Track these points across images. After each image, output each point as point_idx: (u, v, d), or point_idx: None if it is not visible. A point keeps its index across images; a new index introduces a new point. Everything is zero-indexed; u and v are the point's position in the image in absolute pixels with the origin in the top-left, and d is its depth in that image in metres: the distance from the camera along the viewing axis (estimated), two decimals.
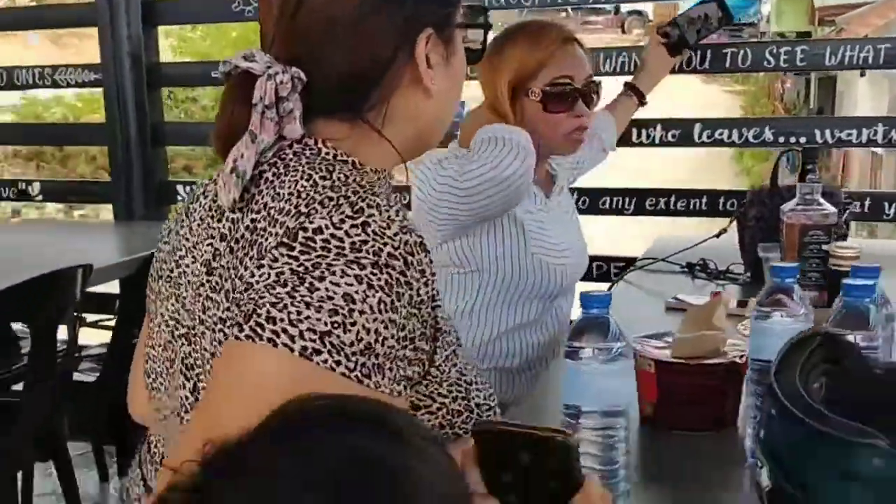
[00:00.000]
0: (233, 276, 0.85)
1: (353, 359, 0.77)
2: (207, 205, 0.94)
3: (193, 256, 0.92)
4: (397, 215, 0.83)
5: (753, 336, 1.15)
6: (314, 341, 0.76)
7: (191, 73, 3.68)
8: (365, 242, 0.80)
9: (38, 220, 5.52)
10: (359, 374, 0.77)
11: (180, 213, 0.99)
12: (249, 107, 0.87)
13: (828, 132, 2.50)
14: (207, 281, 0.89)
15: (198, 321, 0.89)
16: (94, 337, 3.06)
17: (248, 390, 0.77)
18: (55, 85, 3.31)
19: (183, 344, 0.92)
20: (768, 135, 2.57)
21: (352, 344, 0.77)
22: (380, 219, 0.81)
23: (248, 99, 0.87)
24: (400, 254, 0.80)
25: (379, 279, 0.79)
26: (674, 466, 1.19)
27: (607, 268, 2.76)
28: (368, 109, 0.93)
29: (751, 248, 2.08)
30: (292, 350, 0.76)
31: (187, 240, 0.94)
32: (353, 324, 0.77)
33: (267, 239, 0.83)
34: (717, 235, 2.24)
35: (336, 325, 0.76)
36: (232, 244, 0.87)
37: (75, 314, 2.36)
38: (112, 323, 3.04)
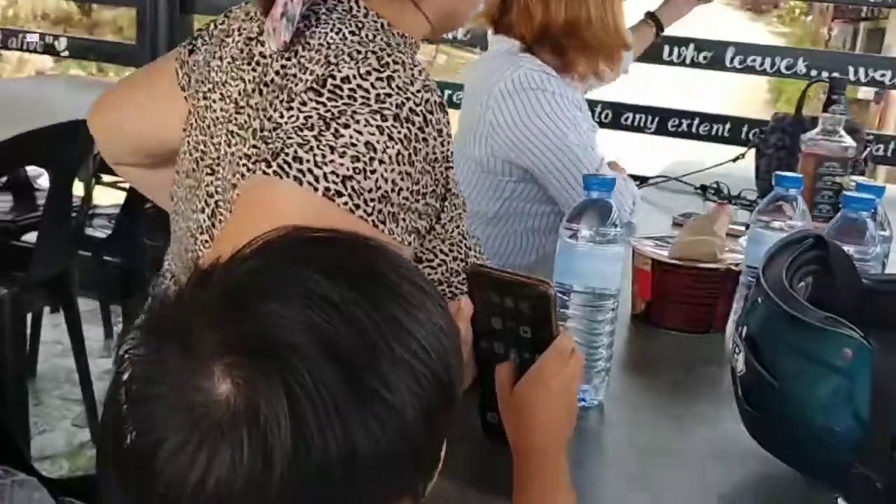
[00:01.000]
0: (261, 116, 0.89)
1: (371, 204, 0.82)
2: (239, 45, 0.96)
3: (221, 94, 0.95)
4: (420, 74, 0.87)
5: (750, 243, 1.17)
6: (336, 183, 0.81)
7: None
8: (389, 95, 0.83)
9: (59, 75, 5.52)
10: (375, 219, 0.82)
11: (213, 45, 1.00)
12: None
13: (861, 70, 2.46)
14: (234, 118, 0.92)
15: (222, 153, 0.93)
16: (107, 198, 3.10)
17: (271, 222, 0.80)
18: None
19: (207, 173, 0.96)
20: (801, 66, 2.53)
21: (370, 190, 0.81)
22: (404, 75, 0.85)
23: None
24: (420, 110, 0.84)
25: (399, 132, 0.82)
26: (658, 361, 1.23)
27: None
28: None
29: (766, 176, 2.07)
30: (316, 189, 0.81)
31: (216, 74, 0.97)
32: (373, 171, 0.81)
33: (297, 84, 0.86)
34: (735, 160, 2.23)
35: (357, 170, 0.81)
36: (261, 86, 0.90)
37: (91, 172, 2.40)
38: (126, 184, 3.09)
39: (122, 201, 2.89)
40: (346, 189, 0.81)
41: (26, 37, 3.52)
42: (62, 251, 2.36)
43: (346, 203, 0.81)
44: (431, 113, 0.85)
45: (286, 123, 0.84)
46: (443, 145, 0.87)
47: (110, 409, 0.59)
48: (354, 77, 0.84)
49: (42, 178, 3.22)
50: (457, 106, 1.95)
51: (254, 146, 0.89)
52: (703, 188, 2.17)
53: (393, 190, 0.83)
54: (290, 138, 0.83)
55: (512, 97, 1.66)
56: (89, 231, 2.71)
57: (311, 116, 0.83)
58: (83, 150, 2.26)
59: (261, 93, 0.90)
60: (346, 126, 0.82)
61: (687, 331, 1.27)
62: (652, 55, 2.40)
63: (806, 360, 0.80)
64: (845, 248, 0.98)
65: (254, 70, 0.92)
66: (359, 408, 0.54)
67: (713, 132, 2.68)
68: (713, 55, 2.60)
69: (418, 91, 0.85)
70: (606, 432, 1.02)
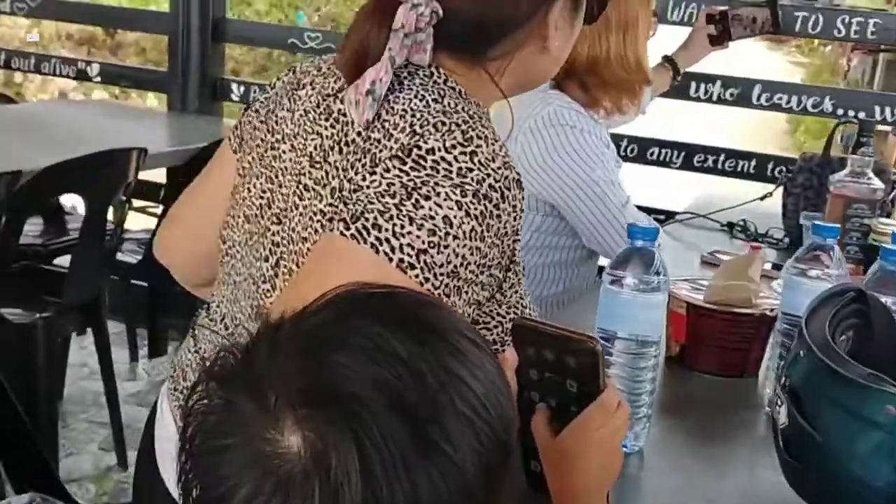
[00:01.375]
0: (341, 175, 0.91)
1: (441, 279, 0.84)
2: (315, 100, 0.97)
3: (292, 146, 0.97)
4: (501, 150, 0.89)
5: (786, 290, 1.18)
6: (411, 256, 0.83)
7: None
8: (470, 170, 0.86)
9: (94, 101, 5.60)
10: (441, 293, 0.85)
11: (279, 97, 1.02)
12: (386, 29, 0.89)
13: (888, 109, 2.48)
14: (309, 172, 0.94)
15: (292, 206, 0.96)
16: (137, 223, 3.14)
17: (341, 280, 0.82)
18: None
19: (272, 223, 0.98)
20: (827, 105, 2.55)
21: (441, 265, 0.84)
22: (487, 150, 0.87)
23: (387, 22, 0.89)
24: (499, 187, 0.86)
25: (476, 208, 0.85)
26: (692, 403, 1.24)
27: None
28: (491, 58, 0.96)
29: (793, 215, 2.09)
30: (391, 260, 0.83)
31: (286, 126, 0.99)
32: (446, 246, 0.84)
33: (381, 150, 0.89)
34: (762, 198, 2.25)
35: (432, 244, 0.84)
36: (342, 145, 0.93)
37: (123, 197, 2.45)
38: (157, 210, 3.14)
39: (152, 226, 2.93)
40: (419, 263, 0.83)
41: (58, 62, 3.58)
42: (95, 276, 2.40)
43: (416, 276, 0.83)
44: (509, 189, 0.87)
45: (368, 188, 0.86)
46: (514, 220, 0.89)
47: (180, 460, 0.60)
48: (439, 149, 0.86)
49: (66, 199, 3.27)
50: None
51: (330, 204, 0.91)
52: (731, 225, 2.19)
53: (462, 265, 0.85)
54: (371, 203, 0.85)
55: (541, 132, 1.69)
56: (120, 256, 2.75)
57: (393, 184, 0.85)
58: (119, 178, 2.30)
59: (341, 151, 0.92)
60: (427, 198, 0.84)
61: (720, 375, 1.29)
62: (679, 91, 2.43)
63: (848, 415, 0.82)
64: (884, 299, 1.00)
65: (332, 127, 0.94)
66: (424, 462, 0.56)
67: (739, 168, 2.70)
68: (740, 92, 2.63)
69: (499, 168, 0.87)
70: (646, 477, 1.04)
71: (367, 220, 0.84)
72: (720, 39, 2.36)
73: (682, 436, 1.16)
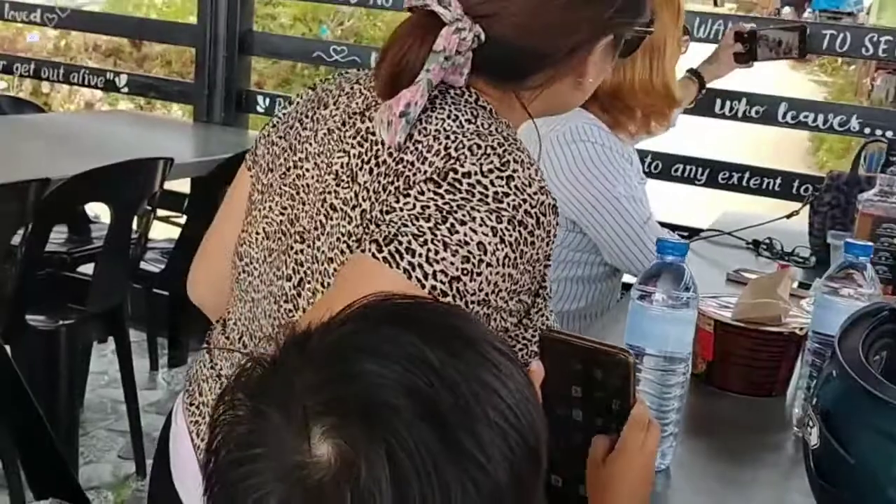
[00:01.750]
0: (372, 197, 0.90)
1: (472, 306, 0.83)
2: (340, 119, 0.96)
3: (316, 164, 0.96)
4: (537, 174, 0.88)
5: (818, 308, 1.16)
6: (443, 283, 0.82)
7: None
8: (507, 195, 0.85)
9: (121, 111, 5.66)
10: None
11: (300, 114, 1.01)
12: (426, 49, 0.87)
13: None
14: (336, 191, 0.93)
15: (317, 224, 0.94)
16: (161, 232, 3.16)
17: (353, 290, 0.81)
18: None
19: (296, 241, 0.96)
20: (854, 123, 2.53)
21: (474, 293, 0.83)
22: (523, 175, 0.86)
23: (428, 41, 0.88)
24: (535, 213, 0.85)
25: (511, 234, 0.84)
26: (719, 422, 1.23)
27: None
28: (525, 86, 0.95)
29: (820, 234, 2.07)
30: (423, 287, 0.82)
31: (310, 144, 0.97)
32: (479, 274, 0.83)
33: (415, 173, 0.87)
34: (789, 216, 2.22)
35: (465, 272, 0.82)
36: (372, 166, 0.91)
37: (148, 206, 2.46)
38: (180, 220, 3.16)
39: (175, 236, 2.95)
40: (452, 290, 0.82)
41: (86, 73, 3.62)
42: (118, 285, 2.41)
43: (444, 297, 0.82)
44: (544, 215, 0.86)
45: (401, 210, 0.85)
46: (547, 245, 0.88)
47: (205, 473, 0.60)
48: (476, 173, 0.85)
49: (90, 207, 3.29)
50: None
51: (359, 225, 0.90)
52: (756, 243, 2.16)
53: (493, 291, 0.84)
54: (405, 226, 0.84)
55: (563, 148, 1.69)
56: (143, 265, 2.76)
57: (428, 207, 0.84)
58: (145, 187, 2.32)
59: (371, 172, 0.91)
60: (463, 223, 0.83)
61: (748, 394, 1.27)
62: (704, 108, 2.42)
63: (884, 438, 0.80)
64: None
65: (360, 146, 0.93)
66: (457, 470, 0.55)
67: (764, 186, 2.68)
68: (765, 110, 2.61)
69: (535, 193, 0.86)
70: (672, 498, 1.02)
71: (400, 243, 0.83)
72: (746, 58, 2.36)
73: (709, 456, 1.14)
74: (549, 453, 0.89)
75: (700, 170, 2.73)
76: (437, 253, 0.82)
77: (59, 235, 2.84)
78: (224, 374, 1.03)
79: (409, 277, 0.82)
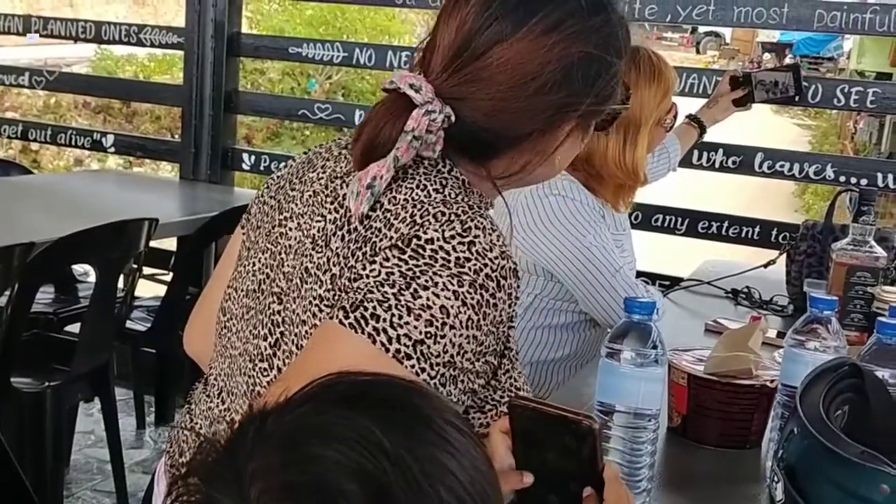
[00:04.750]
0: (342, 263, 0.93)
1: (437, 369, 0.86)
2: (324, 182, 1.00)
3: (298, 224, 0.99)
4: (498, 240, 0.91)
5: (786, 361, 1.19)
6: (407, 347, 0.85)
7: (267, 46, 3.71)
8: (468, 260, 0.87)
9: (107, 170, 5.70)
10: (437, 382, 0.86)
11: (291, 175, 1.05)
12: (398, 128, 0.91)
13: (890, 176, 2.50)
14: (311, 255, 0.96)
15: (293, 286, 0.97)
16: (147, 290, 3.17)
17: (337, 369, 0.83)
18: (139, 43, 3.43)
19: (273, 301, 0.99)
20: (829, 172, 2.58)
21: (438, 355, 0.85)
22: (484, 241, 0.89)
23: (401, 121, 0.91)
24: (495, 276, 0.88)
25: (472, 297, 0.87)
26: (694, 477, 1.24)
27: (651, 284, 2.79)
28: (497, 163, 0.98)
29: (797, 282, 2.10)
30: (387, 350, 0.84)
31: (295, 205, 1.01)
32: (443, 336, 0.85)
33: (381, 239, 0.90)
34: (766, 265, 2.26)
35: (429, 335, 0.85)
36: (344, 233, 0.94)
37: (134, 265, 2.48)
38: (166, 278, 3.17)
39: (161, 293, 2.96)
40: (416, 353, 0.84)
41: (74, 133, 3.66)
42: (104, 344, 2.42)
43: (413, 366, 0.84)
44: (505, 279, 0.89)
45: (367, 276, 0.88)
46: (509, 307, 0.90)
47: None
48: (438, 239, 0.88)
49: (77, 266, 3.30)
50: None
51: (328, 290, 0.93)
52: (735, 292, 2.19)
53: (458, 353, 0.86)
54: (370, 292, 0.86)
55: (536, 201, 1.72)
56: (128, 324, 2.76)
57: (392, 273, 0.87)
58: (129, 248, 2.33)
59: (342, 238, 0.94)
60: (425, 287, 0.85)
61: (723, 446, 1.28)
62: (683, 160, 2.46)
63: (843, 494, 0.82)
64: (880, 372, 1.01)
65: (336, 211, 0.96)
66: None
67: (743, 234, 2.72)
68: (742, 160, 2.66)
69: (495, 258, 0.89)
70: None
71: (365, 308, 0.86)
72: (744, 101, 2.40)
73: None
74: None
75: (680, 220, 2.77)
76: (400, 318, 0.85)
77: (45, 295, 2.85)
78: (204, 432, 1.04)
79: (374, 342, 0.84)
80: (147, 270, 3.10)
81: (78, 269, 3.26)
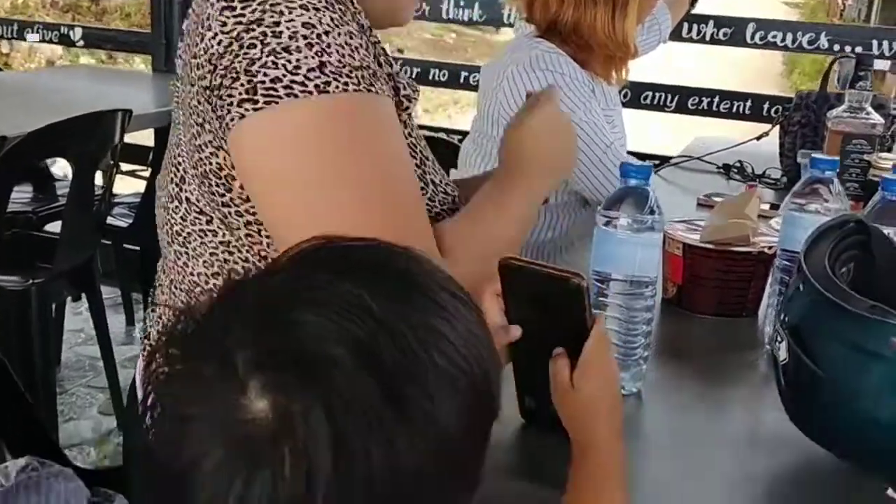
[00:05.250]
0: (192, 62, 0.84)
1: (353, 74, 0.81)
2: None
3: (179, 76, 0.92)
4: None
5: (785, 226, 1.16)
6: (318, 76, 0.79)
7: None
8: None
9: (78, 65, 5.54)
10: (366, 87, 0.81)
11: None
12: None
13: (885, 43, 2.43)
14: (179, 89, 0.90)
15: (180, 122, 0.90)
16: (127, 186, 3.11)
17: (296, 155, 0.79)
18: None
19: (172, 146, 0.93)
20: (823, 41, 2.51)
21: (340, 63, 0.80)
22: None
23: None
24: None
25: (313, 3, 0.81)
26: (691, 345, 1.23)
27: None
28: None
29: (791, 154, 2.06)
30: (311, 92, 0.79)
31: (180, 58, 0.94)
32: (329, 45, 0.80)
33: (206, 10, 0.83)
34: (758, 138, 2.21)
35: (318, 52, 0.79)
36: (185, 46, 0.88)
37: (111, 161, 2.41)
38: (145, 174, 3.11)
39: (142, 190, 2.90)
40: (328, 75, 0.79)
41: (41, 28, 3.52)
42: (86, 241, 2.38)
43: (337, 88, 0.79)
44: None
45: (224, 57, 0.80)
46: (357, 15, 0.85)
47: (143, 429, 0.57)
48: None
49: (56, 167, 3.23)
50: (473, 87, 1.94)
51: (197, 92, 0.84)
52: (727, 167, 2.16)
53: (354, 50, 0.81)
54: (248, 68, 0.79)
55: (522, 76, 1.66)
56: (110, 220, 2.72)
57: (241, 35, 0.79)
58: (105, 140, 2.26)
59: (185, 52, 0.87)
60: (277, 23, 0.79)
61: (720, 315, 1.26)
62: (672, 32, 2.38)
63: (851, 349, 0.80)
64: (886, 230, 0.97)
65: (184, 44, 0.89)
66: (401, 421, 0.53)
67: (734, 109, 2.66)
68: (734, 31, 2.58)
69: None
70: (645, 420, 1.02)
71: (261, 83, 0.78)
72: None
73: (683, 378, 1.14)
74: (521, 377, 0.88)
75: (669, 96, 2.70)
76: (288, 62, 0.78)
77: (23, 195, 2.80)
78: (163, 319, 1.01)
79: (297, 97, 0.78)
80: (125, 167, 3.04)
81: (56, 171, 3.19)
